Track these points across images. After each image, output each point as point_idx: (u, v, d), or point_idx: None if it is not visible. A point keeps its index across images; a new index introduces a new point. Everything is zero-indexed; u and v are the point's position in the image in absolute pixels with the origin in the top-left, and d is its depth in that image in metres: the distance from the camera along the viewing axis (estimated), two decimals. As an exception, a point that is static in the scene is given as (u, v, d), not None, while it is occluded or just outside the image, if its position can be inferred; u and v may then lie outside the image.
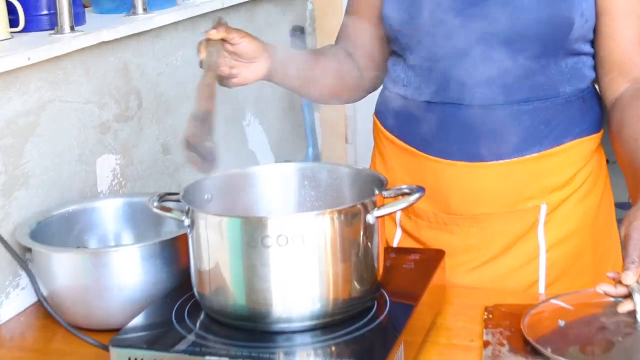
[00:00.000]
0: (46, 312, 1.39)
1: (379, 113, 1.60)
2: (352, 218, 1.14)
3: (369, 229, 1.16)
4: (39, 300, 1.40)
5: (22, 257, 1.42)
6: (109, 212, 1.59)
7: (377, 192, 1.23)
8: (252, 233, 1.10)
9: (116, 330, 1.22)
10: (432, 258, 1.40)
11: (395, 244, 1.58)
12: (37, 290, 1.38)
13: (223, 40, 1.36)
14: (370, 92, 1.67)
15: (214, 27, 1.36)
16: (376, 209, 1.16)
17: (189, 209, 1.17)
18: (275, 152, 2.61)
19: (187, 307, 1.24)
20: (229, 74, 1.39)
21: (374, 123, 1.62)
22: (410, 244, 1.57)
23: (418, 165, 1.52)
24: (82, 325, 1.38)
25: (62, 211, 1.53)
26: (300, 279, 1.12)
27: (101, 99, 1.71)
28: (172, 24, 1.88)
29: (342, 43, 1.62)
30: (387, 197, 1.23)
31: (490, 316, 1.33)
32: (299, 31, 2.40)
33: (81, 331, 1.34)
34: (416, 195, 1.17)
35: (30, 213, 1.51)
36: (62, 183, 1.61)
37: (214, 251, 1.15)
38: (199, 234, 1.17)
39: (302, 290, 1.13)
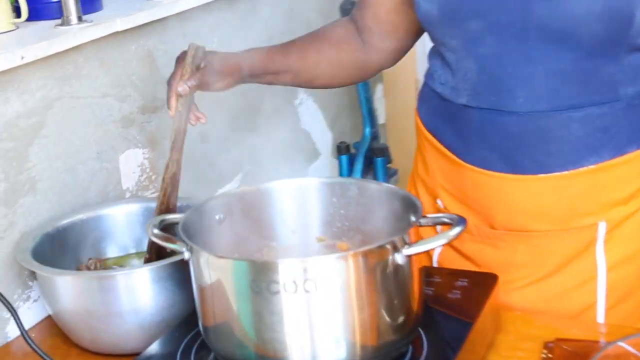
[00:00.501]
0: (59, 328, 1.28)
1: (419, 109, 1.43)
2: (377, 260, 0.97)
3: (398, 270, 0.98)
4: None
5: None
6: (129, 217, 1.44)
7: (411, 219, 1.05)
8: (255, 278, 0.94)
9: (125, 356, 1.14)
10: (482, 284, 1.22)
11: (435, 257, 1.43)
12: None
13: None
14: (387, 68, 1.50)
15: (187, 79, 1.27)
16: (406, 246, 0.97)
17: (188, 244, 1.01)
18: (333, 131, 2.45)
19: (196, 344, 1.08)
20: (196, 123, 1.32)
21: (415, 119, 1.43)
22: (452, 257, 1.40)
23: (458, 174, 1.35)
24: (90, 348, 1.26)
25: (75, 218, 1.40)
26: (313, 330, 0.96)
27: (121, 91, 1.56)
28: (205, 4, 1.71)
29: (360, 13, 1.45)
30: (423, 225, 1.05)
31: (550, 355, 1.16)
32: (349, 6, 2.20)
33: (89, 354, 1.24)
34: (457, 230, 0.99)
35: (40, 220, 1.37)
36: (78, 185, 1.47)
37: (217, 293, 1.00)
38: (201, 272, 1.01)
39: (317, 343, 0.97)
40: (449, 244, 1.39)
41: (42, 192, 1.39)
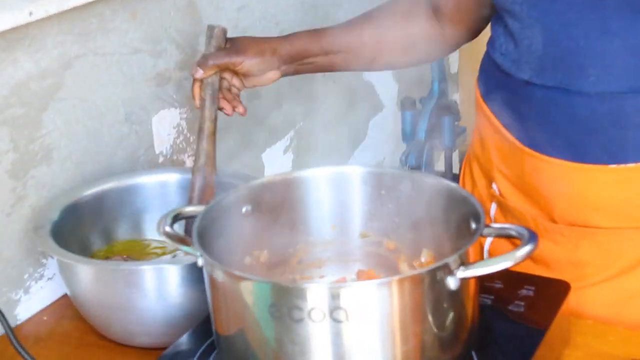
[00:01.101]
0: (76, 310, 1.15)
1: (480, 79, 1.26)
2: (425, 287, 0.79)
3: (450, 296, 0.81)
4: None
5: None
6: (164, 188, 1.28)
7: (472, 226, 0.88)
8: (275, 302, 0.78)
9: (146, 349, 1.05)
10: (551, 294, 1.04)
11: (487, 246, 1.26)
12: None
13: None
14: (465, 43, 1.31)
15: (200, 63, 1.16)
16: (462, 268, 0.80)
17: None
18: (399, 82, 2.26)
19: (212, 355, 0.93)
20: (233, 111, 1.19)
21: (475, 90, 1.26)
22: (506, 247, 1.21)
23: (516, 158, 1.18)
24: (109, 336, 1.13)
25: (99, 189, 1.24)
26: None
27: (156, 46, 1.39)
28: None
29: None
30: (484, 236, 0.87)
31: (624, 382, 0.97)
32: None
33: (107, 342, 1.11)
34: (527, 249, 0.82)
35: (55, 193, 1.23)
36: (102, 151, 1.32)
37: (232, 310, 0.84)
38: (215, 286, 0.85)
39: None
40: None
41: (58, 162, 1.24)
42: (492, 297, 1.03)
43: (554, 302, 1.03)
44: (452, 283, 0.79)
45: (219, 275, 0.82)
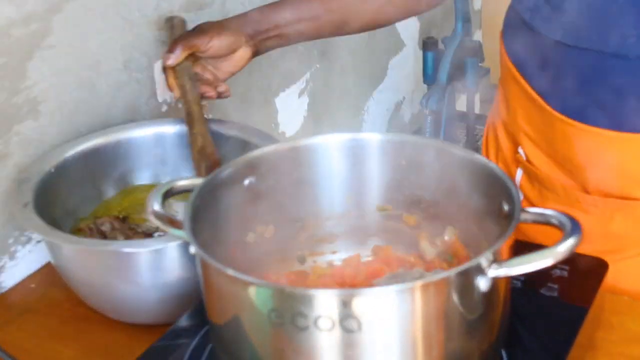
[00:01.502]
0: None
1: (505, 34, 1.13)
2: (452, 290, 0.68)
3: (480, 298, 0.70)
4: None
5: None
6: (162, 140, 1.16)
7: (504, 207, 0.76)
8: (276, 307, 0.67)
9: (141, 325, 0.96)
10: (586, 275, 0.93)
11: None
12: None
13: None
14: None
15: (169, 50, 1.07)
16: (495, 265, 0.68)
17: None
18: (420, 21, 2.14)
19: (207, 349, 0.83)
20: (218, 94, 1.10)
21: (500, 45, 1.13)
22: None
23: (545, 123, 1.06)
24: (100, 311, 1.03)
25: (93, 143, 1.12)
26: None
27: (158, -16, 1.26)
28: None
29: None
30: (522, 222, 0.76)
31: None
32: None
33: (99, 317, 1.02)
34: (570, 243, 0.70)
35: (45, 149, 1.12)
36: (99, 102, 1.21)
37: (227, 310, 0.73)
38: (210, 279, 0.74)
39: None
40: (529, 200, 1.11)
41: (47, 116, 1.13)
42: (522, 278, 0.92)
43: (590, 283, 0.93)
44: (483, 284, 0.68)
45: (213, 273, 0.71)
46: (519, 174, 1.14)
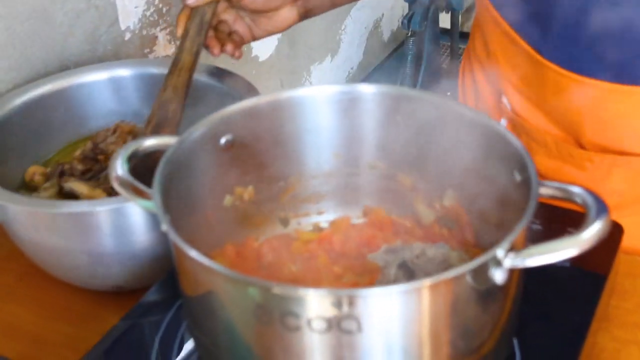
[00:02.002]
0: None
1: None
2: (461, 287, 0.59)
3: (494, 291, 0.61)
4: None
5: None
6: (117, 85, 1.03)
7: (516, 176, 0.68)
8: (263, 304, 0.58)
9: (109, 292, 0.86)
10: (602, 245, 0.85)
11: None
12: None
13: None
14: None
15: None
16: (512, 254, 0.60)
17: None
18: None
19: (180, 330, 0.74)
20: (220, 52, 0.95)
21: None
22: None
23: (535, 72, 0.96)
24: (62, 278, 0.92)
25: (28, 96, 0.98)
26: None
27: None
28: None
29: None
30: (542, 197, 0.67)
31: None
32: None
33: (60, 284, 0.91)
34: (596, 228, 0.61)
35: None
36: (53, 33, 1.09)
37: (206, 303, 0.63)
38: (184, 266, 0.64)
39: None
40: None
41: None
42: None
43: (605, 249, 0.84)
44: (498, 276, 0.59)
45: (187, 261, 0.62)
46: (502, 124, 1.03)
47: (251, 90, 0.95)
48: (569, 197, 0.65)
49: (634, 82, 0.90)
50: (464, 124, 0.75)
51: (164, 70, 0.95)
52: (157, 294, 0.80)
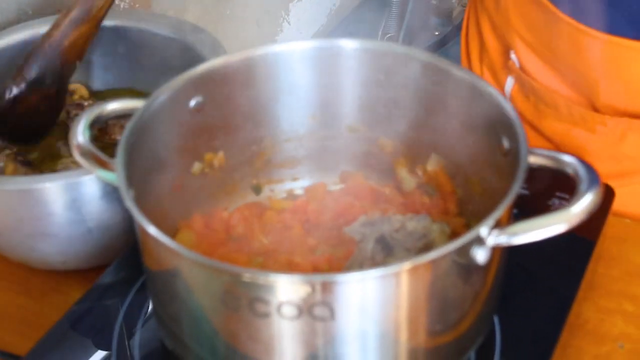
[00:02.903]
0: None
1: None
2: (440, 270, 0.55)
3: (476, 271, 0.57)
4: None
5: None
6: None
7: (504, 144, 0.64)
8: (230, 290, 0.53)
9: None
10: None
11: None
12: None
13: None
14: None
15: None
16: (496, 232, 0.56)
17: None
18: None
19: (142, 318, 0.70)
20: None
21: None
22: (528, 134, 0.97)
23: (549, 26, 0.90)
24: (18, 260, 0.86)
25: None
26: None
27: None
28: None
29: None
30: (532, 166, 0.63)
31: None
32: None
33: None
34: (587, 202, 0.57)
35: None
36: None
37: (169, 285, 0.59)
38: (148, 246, 0.60)
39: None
40: (522, 115, 0.97)
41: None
42: (515, 210, 0.80)
43: (594, 215, 0.80)
44: (480, 256, 0.55)
45: (151, 242, 0.57)
46: (509, 83, 0.98)
47: (216, 46, 0.89)
48: (560, 167, 0.61)
49: None
50: (452, 83, 0.71)
51: (128, 22, 0.89)
52: (119, 270, 0.76)
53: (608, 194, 0.83)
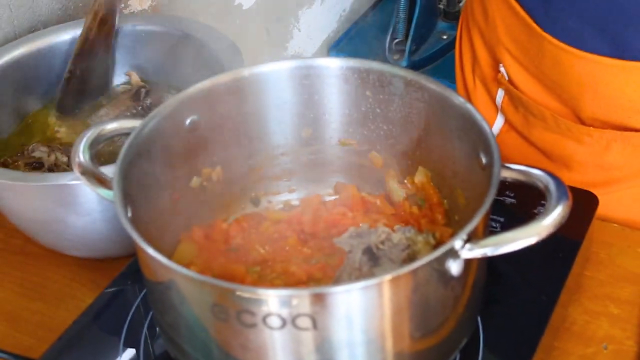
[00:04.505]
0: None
1: None
2: (418, 282, 0.58)
3: (452, 281, 0.61)
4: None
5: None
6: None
7: (481, 159, 0.67)
8: (218, 303, 0.57)
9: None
10: (574, 212, 0.84)
11: (495, 130, 1.05)
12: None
13: None
14: None
15: None
16: (469, 245, 0.59)
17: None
18: None
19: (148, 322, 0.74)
20: None
21: None
22: (515, 141, 1.03)
23: (533, 43, 0.93)
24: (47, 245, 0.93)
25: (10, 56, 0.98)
26: None
27: None
28: None
29: None
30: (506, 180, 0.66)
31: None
32: None
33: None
34: (556, 214, 0.60)
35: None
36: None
37: (166, 296, 0.63)
38: (144, 260, 0.64)
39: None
40: (512, 125, 1.01)
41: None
42: (502, 219, 0.83)
43: (579, 221, 0.84)
44: (455, 268, 0.59)
45: (146, 257, 0.61)
46: (500, 95, 1.02)
47: (231, 47, 0.94)
48: (531, 181, 0.65)
49: (635, 58, 0.87)
50: (433, 100, 0.74)
51: (139, 26, 0.94)
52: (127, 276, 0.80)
53: (591, 201, 0.86)
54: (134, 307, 0.78)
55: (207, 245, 0.76)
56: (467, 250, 0.59)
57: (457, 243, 0.58)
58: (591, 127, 0.94)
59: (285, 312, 0.55)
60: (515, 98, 0.99)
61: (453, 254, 0.58)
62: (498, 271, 0.73)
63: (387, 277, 0.55)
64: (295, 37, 1.93)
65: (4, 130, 0.97)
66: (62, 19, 1.12)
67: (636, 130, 0.92)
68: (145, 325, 0.75)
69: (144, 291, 0.78)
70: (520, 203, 0.86)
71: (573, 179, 0.95)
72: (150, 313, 0.76)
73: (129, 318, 0.76)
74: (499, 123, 1.03)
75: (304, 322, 0.56)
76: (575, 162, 0.96)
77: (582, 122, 0.95)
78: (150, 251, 0.58)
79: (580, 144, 0.96)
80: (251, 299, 0.55)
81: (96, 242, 0.87)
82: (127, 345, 0.73)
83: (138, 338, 0.74)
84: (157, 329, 0.71)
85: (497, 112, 1.04)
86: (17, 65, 0.98)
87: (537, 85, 0.96)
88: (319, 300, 0.55)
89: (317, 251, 0.77)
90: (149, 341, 0.74)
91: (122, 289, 0.80)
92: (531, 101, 0.97)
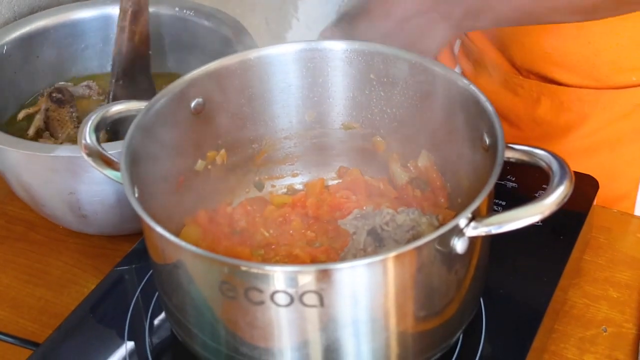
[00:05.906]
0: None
1: None
2: (423, 260, 0.59)
3: (457, 259, 0.61)
4: None
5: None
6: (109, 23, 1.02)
7: (485, 139, 0.67)
8: (227, 280, 0.58)
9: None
10: (574, 196, 0.85)
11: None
12: None
13: None
14: None
15: None
16: (473, 223, 0.60)
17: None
18: None
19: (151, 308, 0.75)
20: None
21: None
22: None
23: None
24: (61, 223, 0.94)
25: (26, 29, 1.00)
26: (318, 352, 0.61)
27: None
28: None
29: None
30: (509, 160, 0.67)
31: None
32: None
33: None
34: (558, 193, 0.61)
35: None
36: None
37: (173, 276, 0.64)
38: (152, 240, 0.65)
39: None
40: (467, 75, 1.07)
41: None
42: (504, 202, 0.84)
43: (579, 206, 0.85)
44: (460, 246, 0.60)
45: (155, 237, 0.62)
46: (457, 44, 1.09)
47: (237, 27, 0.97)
48: (534, 161, 0.65)
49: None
50: (437, 82, 0.75)
51: (158, 9, 0.98)
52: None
53: (592, 186, 0.86)
54: (137, 292, 0.78)
55: (211, 229, 0.77)
56: (471, 229, 0.59)
57: (462, 221, 0.59)
58: (522, 78, 1.00)
59: (292, 289, 0.56)
60: (466, 47, 1.06)
61: (458, 232, 0.59)
62: (500, 255, 0.74)
63: (392, 254, 0.56)
64: (294, 27, 1.93)
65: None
66: (62, 3, 1.12)
67: (560, 84, 0.97)
68: (150, 309, 0.76)
69: (147, 275, 0.79)
70: (521, 187, 0.86)
71: (512, 134, 1.00)
72: (155, 296, 0.77)
73: (133, 302, 0.77)
74: None
75: (311, 299, 0.57)
76: (513, 115, 1.02)
77: (519, 72, 1.00)
78: (159, 229, 0.59)
79: (516, 95, 1.01)
80: (259, 275, 0.56)
81: (108, 216, 0.88)
82: (130, 329, 0.74)
83: (141, 320, 0.75)
84: (164, 312, 0.71)
85: (456, 63, 1.10)
86: (32, 39, 0.99)
87: (481, 35, 1.03)
88: (326, 276, 0.56)
89: (321, 234, 0.77)
90: (152, 325, 0.75)
91: (124, 275, 0.81)
92: (478, 50, 1.03)
